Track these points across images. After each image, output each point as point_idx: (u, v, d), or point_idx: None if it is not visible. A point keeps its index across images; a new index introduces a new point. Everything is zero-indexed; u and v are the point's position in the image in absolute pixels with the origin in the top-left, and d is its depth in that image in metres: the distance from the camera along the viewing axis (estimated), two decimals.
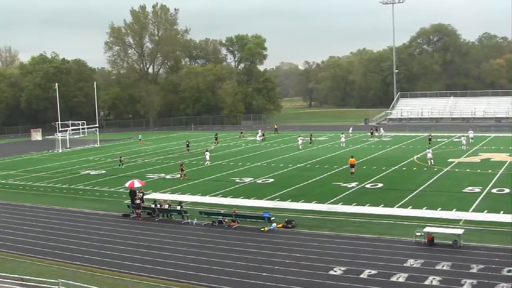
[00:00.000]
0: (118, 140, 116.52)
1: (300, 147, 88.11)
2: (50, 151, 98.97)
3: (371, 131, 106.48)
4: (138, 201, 45.95)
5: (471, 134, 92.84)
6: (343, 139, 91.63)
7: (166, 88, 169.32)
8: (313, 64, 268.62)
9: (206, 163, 73.81)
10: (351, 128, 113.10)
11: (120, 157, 78.04)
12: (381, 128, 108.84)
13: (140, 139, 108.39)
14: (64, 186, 62.22)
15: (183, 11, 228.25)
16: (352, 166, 61.31)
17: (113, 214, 47.38)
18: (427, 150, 71.46)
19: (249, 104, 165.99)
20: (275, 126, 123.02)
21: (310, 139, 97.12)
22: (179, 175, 64.41)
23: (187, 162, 74.43)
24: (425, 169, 65.06)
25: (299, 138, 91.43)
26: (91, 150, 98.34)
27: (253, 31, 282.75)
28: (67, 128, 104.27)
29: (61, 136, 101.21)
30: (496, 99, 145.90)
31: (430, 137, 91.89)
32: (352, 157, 63.26)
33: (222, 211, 44.35)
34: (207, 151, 78.54)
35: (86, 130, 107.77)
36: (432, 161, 67.90)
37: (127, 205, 47.89)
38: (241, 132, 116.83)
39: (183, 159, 74.99)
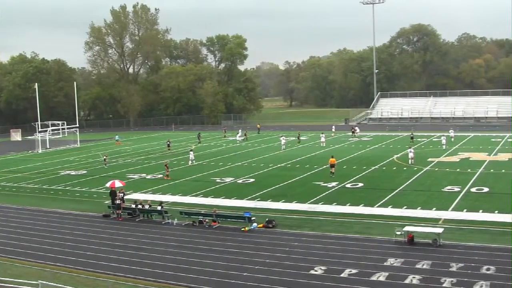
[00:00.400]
0: (98, 140, 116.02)
1: (284, 147, 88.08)
2: (30, 151, 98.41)
3: (352, 130, 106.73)
4: (118, 201, 45.82)
5: (452, 133, 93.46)
6: (323, 139, 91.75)
7: (147, 88, 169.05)
8: (293, 64, 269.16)
9: (190, 162, 73.88)
10: (333, 127, 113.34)
11: (105, 157, 77.84)
12: (357, 128, 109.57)
13: (116, 140, 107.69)
14: (44, 186, 61.82)
15: (163, 11, 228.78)
16: (332, 166, 61.34)
17: (94, 214, 47.14)
18: (409, 150, 71.78)
19: (229, 104, 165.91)
20: (258, 126, 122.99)
21: (298, 138, 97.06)
22: (162, 175, 64.21)
23: (170, 162, 74.32)
24: (405, 168, 65.37)
25: (281, 138, 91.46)
26: (71, 151, 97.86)
27: (233, 31, 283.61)
28: (47, 129, 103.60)
29: (41, 137, 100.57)
30: (475, 99, 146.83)
31: (412, 136, 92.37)
32: (332, 157, 63.33)
33: (202, 211, 44.28)
34: (191, 150, 78.50)
35: (66, 130, 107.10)
36: (412, 160, 68.21)
37: (107, 205, 47.72)
38: (225, 132, 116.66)
39: (165, 159, 74.90)
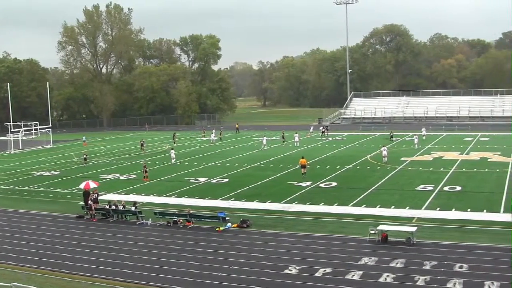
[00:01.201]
0: (71, 140, 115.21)
1: (266, 147, 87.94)
2: (2, 152, 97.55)
3: (323, 130, 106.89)
4: (90, 202, 45.58)
5: (423, 131, 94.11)
6: (296, 139, 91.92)
7: (120, 88, 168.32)
8: (267, 64, 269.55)
9: (173, 161, 74.43)
10: (311, 127, 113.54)
11: (85, 156, 77.65)
12: (311, 127, 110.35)
13: (84, 141, 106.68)
14: (16, 187, 61.25)
15: (136, 11, 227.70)
16: (303, 166, 61.27)
17: (67, 215, 46.84)
18: (382, 148, 72.18)
19: (203, 104, 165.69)
20: (237, 126, 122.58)
21: (283, 137, 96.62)
22: (137, 176, 63.69)
23: (139, 163, 74.07)
24: (378, 168, 65.71)
25: (263, 138, 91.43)
26: (44, 151, 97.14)
27: (207, 31, 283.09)
28: (19, 129, 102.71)
29: (13, 137, 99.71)
30: (447, 98, 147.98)
31: (391, 135, 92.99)
32: (303, 157, 63.32)
33: (176, 212, 44.19)
34: (172, 149, 78.42)
35: (39, 130, 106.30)
36: (386, 158, 68.66)
37: (81, 206, 47.47)
38: (204, 132, 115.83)
39: (140, 159, 74.63)
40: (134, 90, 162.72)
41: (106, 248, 36.28)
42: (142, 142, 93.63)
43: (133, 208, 44.62)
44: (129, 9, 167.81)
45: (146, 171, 63.15)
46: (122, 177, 65.34)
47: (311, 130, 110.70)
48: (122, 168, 72.09)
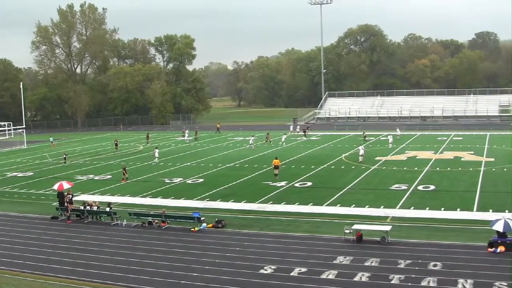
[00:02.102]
0: (45, 141, 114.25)
1: (253, 146, 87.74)
2: None
3: (304, 130, 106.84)
4: (66, 204, 45.29)
5: (398, 131, 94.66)
6: (283, 138, 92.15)
7: (95, 88, 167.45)
8: (242, 64, 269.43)
9: (155, 160, 74.67)
10: (291, 127, 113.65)
11: (65, 156, 77.24)
12: (297, 127, 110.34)
13: (51, 142, 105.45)
14: None
15: (111, 11, 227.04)
16: (276, 167, 61.03)
17: (42, 217, 46.49)
18: (360, 147, 72.50)
19: (178, 104, 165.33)
20: (218, 126, 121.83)
21: (267, 138, 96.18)
22: (122, 178, 62.01)
23: (114, 163, 73.79)
24: (353, 167, 65.94)
25: (250, 138, 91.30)
26: (17, 152, 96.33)
27: (182, 31, 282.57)
28: None
29: None
30: (421, 98, 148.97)
31: (364, 135, 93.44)
32: (276, 158, 63.18)
33: (151, 212, 44.08)
34: (156, 148, 78.11)
35: (12, 131, 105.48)
36: (362, 157, 68.97)
37: (55, 207, 47.15)
38: (183, 132, 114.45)
39: (115, 160, 74.21)
40: (109, 90, 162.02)
41: (81, 249, 35.99)
42: (116, 142, 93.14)
43: (107, 209, 44.37)
44: (103, 9, 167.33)
45: (125, 173, 62.17)
46: (96, 178, 64.97)
47: (297, 129, 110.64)
48: (96, 169, 71.65)
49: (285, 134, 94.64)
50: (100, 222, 43.93)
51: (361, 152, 70.09)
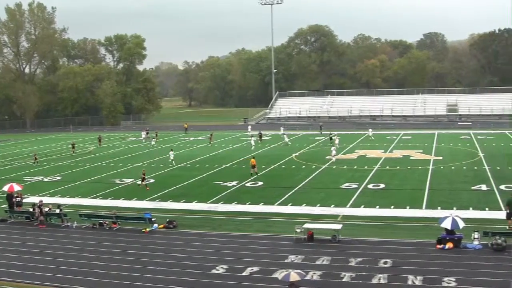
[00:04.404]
0: None
1: (253, 148, 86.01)
2: None
3: (259, 134, 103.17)
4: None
5: (370, 132, 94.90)
6: (253, 142, 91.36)
7: (44, 88, 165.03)
8: (192, 64, 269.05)
9: (173, 163, 71.21)
10: (249, 127, 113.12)
11: (35, 156, 76.31)
12: (248, 127, 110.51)
13: None
14: None
15: (60, 10, 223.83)
16: (253, 166, 61.10)
17: None
18: (332, 148, 72.53)
19: (128, 104, 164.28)
20: (185, 126, 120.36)
21: (210, 138, 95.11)
22: (140, 183, 57.05)
23: (69, 164, 72.97)
24: (303, 166, 66.24)
25: (251, 139, 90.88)
26: None
27: (132, 31, 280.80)
28: None
29: None
30: (371, 98, 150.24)
31: (331, 137, 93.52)
32: (253, 158, 63.44)
33: (102, 213, 43.72)
34: (171, 150, 74.45)
35: None
36: (333, 158, 68.80)
37: (4, 209, 46.44)
38: (147, 133, 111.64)
39: (69, 160, 73.24)
40: (58, 90, 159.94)
41: (30, 252, 35.52)
42: (73, 144, 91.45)
43: (57, 211, 43.84)
44: (52, 8, 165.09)
45: (144, 178, 56.99)
46: (46, 179, 64.15)
47: (249, 130, 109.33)
48: (46, 170, 70.71)
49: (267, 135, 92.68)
50: (50, 224, 43.37)
51: (333, 152, 70.00)
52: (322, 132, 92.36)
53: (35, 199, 50.44)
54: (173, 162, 71.21)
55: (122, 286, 28.85)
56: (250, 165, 62.11)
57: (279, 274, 27.40)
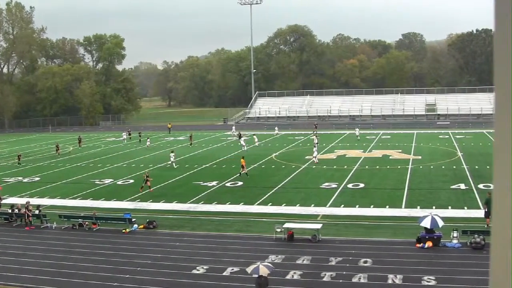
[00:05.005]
0: None
1: (244, 148, 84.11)
2: None
3: (239, 134, 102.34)
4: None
5: (357, 131, 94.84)
6: (243, 142, 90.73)
7: (22, 88, 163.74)
8: (172, 64, 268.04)
9: (173, 165, 68.84)
10: (233, 127, 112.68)
11: (19, 156, 75.91)
12: (233, 127, 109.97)
13: None
14: None
15: (39, 10, 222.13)
16: (242, 167, 60.62)
17: None
18: (314, 149, 72.39)
19: (107, 104, 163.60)
20: (169, 126, 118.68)
21: (191, 139, 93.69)
22: (146, 187, 54.74)
23: (48, 165, 72.55)
24: (283, 166, 66.36)
25: (254, 137, 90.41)
26: None
27: (111, 30, 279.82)
28: None
29: None
30: (350, 98, 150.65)
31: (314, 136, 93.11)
32: (243, 158, 63.15)
33: (82, 214, 43.56)
34: (172, 152, 72.78)
35: None
36: (315, 159, 68.34)
37: None
38: (129, 134, 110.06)
39: (49, 161, 72.86)
40: (37, 90, 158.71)
41: (9, 253, 35.34)
42: (57, 146, 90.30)
43: (37, 212, 43.60)
44: (31, 7, 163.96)
45: (148, 180, 54.52)
46: (25, 180, 63.78)
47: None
48: (25, 171, 70.27)
49: (255, 136, 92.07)
50: (29, 225, 43.12)
51: (315, 153, 69.59)
52: (317, 132, 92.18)
53: (14, 200, 50.26)
54: (173, 164, 68.92)
55: (101, 287, 28.76)
56: (240, 165, 61.56)
57: (248, 268, 27.45)
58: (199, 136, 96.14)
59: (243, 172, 60.37)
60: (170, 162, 69.54)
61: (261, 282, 25.94)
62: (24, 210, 43.28)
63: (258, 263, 26.91)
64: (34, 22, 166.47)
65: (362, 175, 58.47)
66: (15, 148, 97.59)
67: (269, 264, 26.97)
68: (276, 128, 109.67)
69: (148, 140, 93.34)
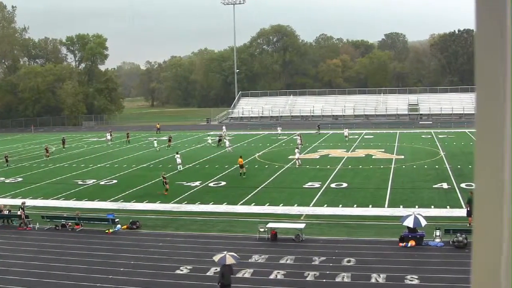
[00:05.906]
0: None
1: (229, 149, 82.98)
2: None
3: (219, 138, 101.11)
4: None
5: (346, 132, 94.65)
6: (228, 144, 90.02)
7: (4, 88, 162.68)
8: (155, 64, 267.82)
9: (178, 167, 65.71)
10: (224, 127, 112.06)
11: (6, 157, 75.28)
12: (224, 127, 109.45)
13: None
14: None
15: (21, 9, 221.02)
16: (241, 166, 60.66)
17: None
18: (296, 150, 72.04)
19: (90, 104, 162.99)
20: (158, 126, 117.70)
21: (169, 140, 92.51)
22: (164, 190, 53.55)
23: (30, 165, 72.17)
24: (266, 166, 66.43)
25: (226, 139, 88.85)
26: None
27: (94, 30, 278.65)
28: None
29: None
30: (333, 97, 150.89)
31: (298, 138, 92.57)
32: (240, 157, 63.16)
33: (65, 215, 43.36)
34: (177, 153, 69.45)
35: None
36: (298, 160, 67.64)
37: None
38: (111, 135, 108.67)
39: (26, 161, 72.49)
40: (19, 90, 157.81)
41: None
42: (46, 148, 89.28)
43: (19, 212, 43.34)
44: (13, 7, 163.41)
45: (166, 182, 53.10)
46: (7, 181, 63.43)
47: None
48: (7, 172, 69.89)
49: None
50: (11, 226, 42.92)
51: (297, 155, 68.69)
52: (320, 132, 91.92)
53: None
54: (180, 166, 65.34)
55: None
56: (238, 164, 61.24)
57: (215, 257, 27.73)
58: (182, 136, 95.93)
59: (242, 171, 60.30)
60: (178, 167, 65.50)
61: (224, 270, 26.26)
62: (20, 211, 43.06)
63: (225, 252, 27.12)
64: (16, 22, 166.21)
65: (345, 175, 58.61)
66: (1, 148, 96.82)
67: (235, 255, 27.40)
68: (279, 128, 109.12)
69: (155, 141, 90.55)
